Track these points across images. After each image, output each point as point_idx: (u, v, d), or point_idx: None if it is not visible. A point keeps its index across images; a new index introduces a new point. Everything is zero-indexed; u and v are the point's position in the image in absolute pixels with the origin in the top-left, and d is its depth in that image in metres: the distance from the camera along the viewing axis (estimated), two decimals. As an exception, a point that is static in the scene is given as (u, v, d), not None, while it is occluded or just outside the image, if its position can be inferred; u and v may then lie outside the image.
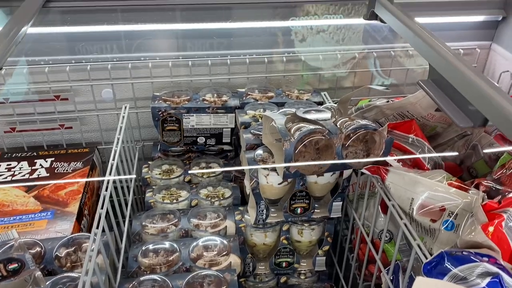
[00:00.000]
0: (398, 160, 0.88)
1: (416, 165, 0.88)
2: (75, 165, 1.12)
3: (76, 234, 0.86)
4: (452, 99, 0.67)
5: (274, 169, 0.86)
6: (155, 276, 0.81)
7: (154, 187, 1.07)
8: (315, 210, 0.94)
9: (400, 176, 0.80)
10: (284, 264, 1.02)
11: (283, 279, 1.05)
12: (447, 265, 0.60)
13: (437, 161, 0.89)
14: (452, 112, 0.64)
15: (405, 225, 0.75)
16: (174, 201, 1.03)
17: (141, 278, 0.81)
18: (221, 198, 1.04)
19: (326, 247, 1.01)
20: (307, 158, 0.79)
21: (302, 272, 1.04)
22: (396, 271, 0.84)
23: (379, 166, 0.84)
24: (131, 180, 1.06)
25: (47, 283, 0.70)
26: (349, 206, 1.02)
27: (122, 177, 1.00)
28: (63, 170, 1.11)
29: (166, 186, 1.08)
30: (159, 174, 1.12)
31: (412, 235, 0.72)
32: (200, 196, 1.04)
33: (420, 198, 0.75)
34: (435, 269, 0.61)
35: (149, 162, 1.14)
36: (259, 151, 0.89)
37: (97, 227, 0.73)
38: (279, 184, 0.88)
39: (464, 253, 0.61)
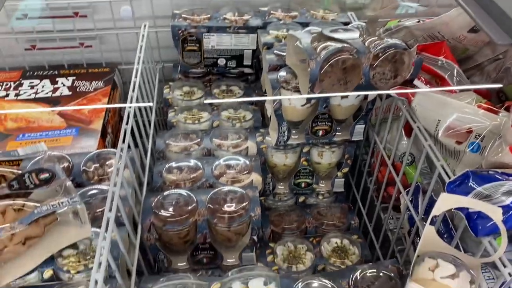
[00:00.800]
0: (426, 82, 0.86)
1: (443, 85, 0.86)
2: (96, 84, 1.12)
3: (102, 150, 0.88)
4: (491, 14, 0.63)
5: (297, 90, 0.85)
6: (179, 190, 0.84)
7: (176, 107, 1.07)
8: (337, 133, 0.94)
9: (428, 98, 0.78)
10: (303, 185, 1.04)
11: (301, 199, 1.07)
12: (472, 184, 0.60)
13: (464, 82, 0.87)
14: (490, 28, 0.61)
15: (430, 146, 0.74)
16: (196, 121, 1.04)
17: (166, 192, 0.83)
18: (242, 120, 1.04)
19: (346, 169, 1.03)
20: (333, 79, 0.78)
21: (321, 192, 1.07)
22: (416, 193, 0.85)
23: (407, 88, 0.82)
24: (153, 99, 1.06)
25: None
26: (371, 130, 1.02)
27: (145, 95, 1.00)
28: (85, 89, 1.11)
29: (188, 107, 1.08)
30: (181, 95, 1.11)
31: (436, 155, 0.72)
32: (221, 117, 1.04)
33: (447, 119, 0.74)
34: (458, 188, 0.61)
35: (170, 83, 1.14)
36: (282, 72, 0.87)
37: (123, 142, 0.75)
38: (302, 105, 0.87)
39: (490, 172, 0.61)
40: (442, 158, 0.72)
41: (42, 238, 0.66)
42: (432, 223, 0.60)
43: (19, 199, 0.65)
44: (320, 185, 1.05)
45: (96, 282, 0.55)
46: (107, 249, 0.58)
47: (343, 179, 1.04)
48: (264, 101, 1.05)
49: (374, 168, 1.04)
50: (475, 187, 0.60)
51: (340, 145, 0.99)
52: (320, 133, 0.93)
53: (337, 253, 0.92)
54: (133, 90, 0.86)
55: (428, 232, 0.61)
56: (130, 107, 0.82)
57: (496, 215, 0.54)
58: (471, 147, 0.72)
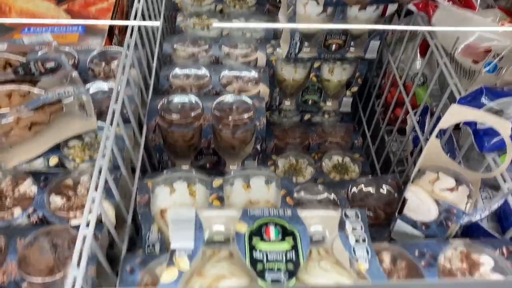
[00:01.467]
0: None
1: (466, 5, 0.82)
2: (104, -18, 1.07)
3: (109, 47, 0.86)
4: None
5: (314, -2, 0.81)
6: (186, 95, 0.83)
7: (185, 12, 1.04)
8: (350, 49, 0.91)
9: (449, 13, 0.74)
10: (310, 102, 1.03)
11: (307, 117, 1.07)
12: (484, 100, 0.59)
13: (490, 4, 0.82)
14: None
15: (445, 64, 0.72)
16: (205, 28, 1.00)
17: (173, 95, 0.83)
18: (253, 30, 1.01)
19: (355, 88, 1.01)
20: (353, -15, 0.73)
21: (327, 111, 1.06)
22: (424, 114, 0.84)
23: (428, 2, 0.78)
24: (161, 2, 1.02)
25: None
26: (385, 49, 0.99)
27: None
28: None
29: (197, 13, 1.04)
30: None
31: (450, 73, 0.70)
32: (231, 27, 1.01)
33: (466, 37, 0.71)
34: (470, 103, 0.60)
35: (180, -13, 1.09)
36: (299, -22, 0.83)
37: (130, 37, 0.73)
38: (317, 15, 0.84)
39: (504, 89, 0.59)
40: (455, 77, 0.70)
41: (48, 127, 0.67)
42: (437, 137, 0.60)
43: (24, 85, 0.64)
44: (327, 103, 1.04)
45: (100, 169, 0.56)
46: (112, 138, 0.59)
47: (351, 99, 1.03)
48: (277, 12, 1.01)
49: (383, 90, 1.03)
50: (487, 103, 0.58)
51: (352, 62, 0.96)
52: (333, 47, 0.90)
53: (337, 169, 0.93)
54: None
55: (433, 146, 0.60)
56: (139, 3, 0.79)
57: (505, 129, 0.53)
58: (488, 67, 0.70)
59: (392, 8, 0.85)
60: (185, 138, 0.82)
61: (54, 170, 0.68)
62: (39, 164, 0.68)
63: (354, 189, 0.72)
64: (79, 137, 0.71)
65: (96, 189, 0.53)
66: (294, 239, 0.42)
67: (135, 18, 0.78)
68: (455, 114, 0.55)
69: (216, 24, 1.07)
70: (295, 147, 0.99)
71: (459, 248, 0.50)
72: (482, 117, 0.54)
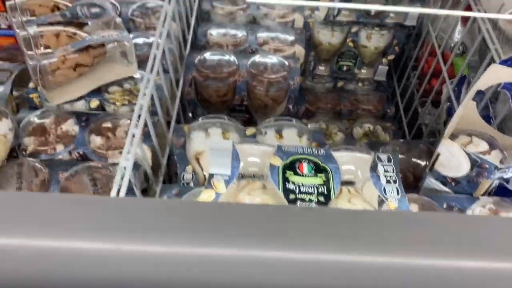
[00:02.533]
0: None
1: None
2: None
3: (149, 0, 0.88)
4: None
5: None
6: (223, 51, 0.84)
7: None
8: (390, 14, 0.90)
9: (497, -22, 0.72)
10: (344, 68, 1.03)
11: (340, 84, 1.07)
12: (526, 64, 0.58)
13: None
14: None
15: (487, 30, 0.70)
16: (244, -12, 1.00)
17: (210, 51, 0.84)
18: (292, -7, 1.00)
19: (391, 57, 1.00)
20: None
21: (361, 79, 1.06)
22: (461, 84, 0.83)
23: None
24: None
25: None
26: (425, 17, 0.97)
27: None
28: None
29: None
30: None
31: (492, 39, 0.69)
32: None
33: (513, 3, 0.69)
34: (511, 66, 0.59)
35: None
36: None
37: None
38: (359, -24, 0.83)
39: (548, 53, 0.58)
40: (497, 43, 0.69)
41: (91, 69, 0.69)
42: (474, 100, 0.59)
43: (71, 27, 0.67)
44: (362, 71, 1.04)
45: (141, 107, 0.58)
46: (153, 80, 0.61)
47: (387, 67, 1.02)
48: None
49: (420, 61, 1.01)
50: (529, 67, 0.57)
51: (391, 29, 0.95)
52: (373, 12, 0.89)
53: (368, 137, 0.94)
54: None
55: (468, 108, 0.60)
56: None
57: (545, 92, 0.52)
58: (533, 35, 0.68)
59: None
60: (219, 93, 0.83)
61: (94, 111, 0.71)
62: (80, 105, 0.71)
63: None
64: (119, 83, 0.74)
65: (136, 126, 0.56)
66: (326, 175, 0.43)
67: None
68: (494, 74, 0.54)
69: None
70: (327, 112, 0.99)
71: (488, 205, 0.50)
72: (523, 79, 0.54)
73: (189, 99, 0.85)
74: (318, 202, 0.41)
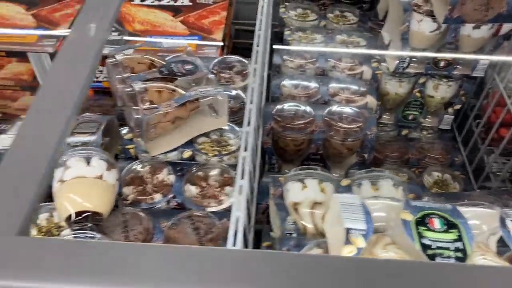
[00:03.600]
0: None
1: None
2: (215, -4, 1.16)
3: (227, 56, 0.93)
4: None
5: (429, 15, 0.84)
6: (298, 102, 0.88)
7: (291, 27, 1.09)
8: (458, 66, 0.93)
9: None
10: (410, 117, 1.05)
11: (404, 132, 1.08)
12: None
13: None
14: None
15: None
16: (311, 42, 1.05)
17: (286, 102, 0.88)
18: (356, 44, 1.05)
19: (458, 106, 1.02)
20: (476, 2, 0.76)
21: (425, 127, 1.07)
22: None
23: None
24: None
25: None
26: (490, 68, 0.99)
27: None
28: (204, 1, 1.15)
29: (302, 28, 1.10)
30: (295, 15, 1.13)
31: None
32: (335, 41, 1.05)
33: None
34: None
35: (286, 3, 1.15)
36: (413, -4, 0.86)
37: (257, 46, 0.78)
38: (430, 31, 0.86)
39: None
40: None
41: (186, 122, 0.73)
42: None
43: (170, 84, 0.71)
44: (427, 119, 1.06)
45: (243, 159, 0.60)
46: (252, 134, 0.64)
47: (453, 117, 1.03)
48: (379, 30, 1.05)
49: (485, 110, 1.02)
50: None
51: (458, 80, 0.97)
52: (442, 64, 0.92)
53: (438, 185, 0.94)
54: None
55: None
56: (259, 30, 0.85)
57: None
58: None
59: (506, 27, 0.86)
60: (296, 142, 0.86)
61: (186, 161, 0.74)
62: (173, 156, 0.75)
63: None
64: (206, 134, 0.78)
65: (242, 177, 0.58)
66: (459, 231, 0.44)
67: (259, 27, 0.84)
68: None
69: (318, 48, 1.11)
70: (394, 160, 1.00)
71: None
72: None
73: (266, 148, 0.88)
74: (456, 258, 0.42)
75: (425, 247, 0.43)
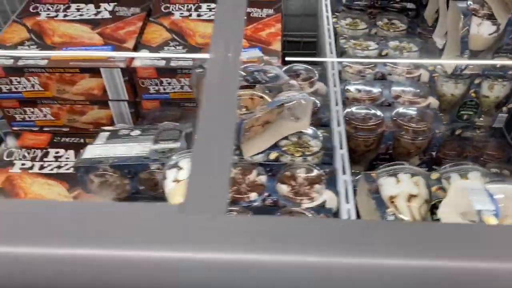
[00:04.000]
0: None
1: None
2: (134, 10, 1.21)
3: (293, 65, 0.98)
4: None
5: (489, 18, 0.88)
6: (365, 105, 0.92)
7: (345, 35, 1.15)
8: (513, 66, 0.97)
9: None
10: (465, 117, 1.09)
11: (458, 131, 1.12)
12: None
13: None
14: None
15: None
16: (365, 49, 1.10)
17: (353, 105, 0.92)
18: (409, 51, 1.10)
19: (511, 105, 1.06)
20: (539, 5, 0.80)
21: (478, 126, 1.11)
22: None
23: None
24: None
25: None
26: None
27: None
28: (124, 14, 1.20)
29: (354, 36, 1.15)
30: (346, 25, 1.18)
31: None
32: (389, 47, 1.10)
33: None
34: None
35: (336, 13, 1.21)
36: (469, 1, 0.91)
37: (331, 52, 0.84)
38: (489, 34, 0.91)
39: None
40: None
41: (272, 125, 0.78)
42: None
43: (257, 91, 0.77)
44: (480, 119, 1.10)
45: (342, 156, 0.65)
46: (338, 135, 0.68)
47: (507, 115, 1.07)
48: (429, 35, 1.10)
49: (537, 108, 1.06)
50: None
51: (511, 79, 1.01)
52: (498, 65, 0.96)
53: (499, 181, 0.97)
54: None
55: None
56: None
57: None
58: None
59: None
60: (366, 143, 0.90)
61: (273, 162, 0.79)
62: (260, 158, 0.79)
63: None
64: (286, 137, 0.82)
65: (344, 172, 0.63)
66: None
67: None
68: None
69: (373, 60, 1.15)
70: (452, 158, 1.04)
71: None
72: None
73: (336, 150, 0.92)
74: None
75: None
